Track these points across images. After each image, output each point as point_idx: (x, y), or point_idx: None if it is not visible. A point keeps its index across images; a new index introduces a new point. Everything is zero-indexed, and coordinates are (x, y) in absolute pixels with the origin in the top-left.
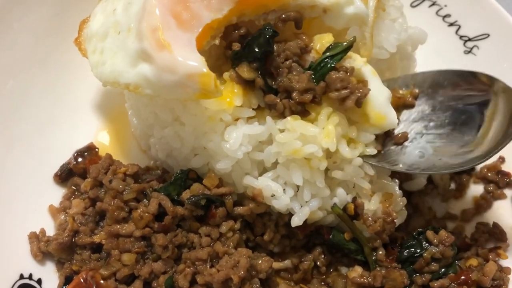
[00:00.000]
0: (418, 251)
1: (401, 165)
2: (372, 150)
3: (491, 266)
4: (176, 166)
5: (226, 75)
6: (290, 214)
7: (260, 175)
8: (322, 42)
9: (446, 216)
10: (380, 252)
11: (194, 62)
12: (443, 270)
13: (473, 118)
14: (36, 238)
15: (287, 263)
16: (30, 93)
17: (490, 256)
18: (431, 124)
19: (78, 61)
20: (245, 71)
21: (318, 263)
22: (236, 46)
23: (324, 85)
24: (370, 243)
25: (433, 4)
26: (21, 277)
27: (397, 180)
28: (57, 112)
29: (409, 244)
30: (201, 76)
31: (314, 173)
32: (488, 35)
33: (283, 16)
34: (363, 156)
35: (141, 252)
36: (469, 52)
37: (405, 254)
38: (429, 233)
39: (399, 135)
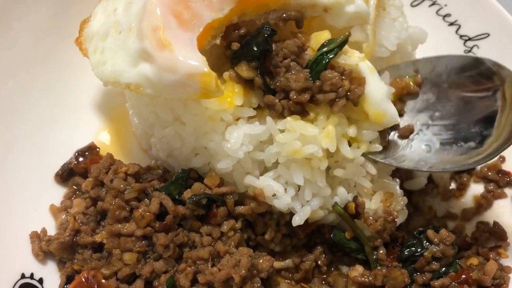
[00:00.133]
0: (418, 250)
1: (408, 162)
2: (377, 147)
3: (491, 265)
4: (177, 166)
5: (226, 74)
6: (291, 214)
7: (261, 174)
8: (318, 39)
9: (446, 215)
10: (381, 251)
11: (195, 62)
12: (443, 269)
13: (479, 108)
14: (37, 238)
15: (288, 262)
16: (31, 93)
17: (491, 255)
18: (437, 114)
19: (79, 61)
20: (244, 70)
21: (319, 262)
22: (235, 46)
23: (320, 83)
24: (371, 242)
25: (433, 3)
26: (23, 276)
27: (398, 180)
28: (58, 111)
29: (410, 243)
30: (202, 75)
31: (315, 172)
32: (488, 35)
33: (284, 15)
34: (368, 153)
35: (142, 252)
36: (469, 51)
37: (406, 253)
38: (430, 232)
39: (405, 127)
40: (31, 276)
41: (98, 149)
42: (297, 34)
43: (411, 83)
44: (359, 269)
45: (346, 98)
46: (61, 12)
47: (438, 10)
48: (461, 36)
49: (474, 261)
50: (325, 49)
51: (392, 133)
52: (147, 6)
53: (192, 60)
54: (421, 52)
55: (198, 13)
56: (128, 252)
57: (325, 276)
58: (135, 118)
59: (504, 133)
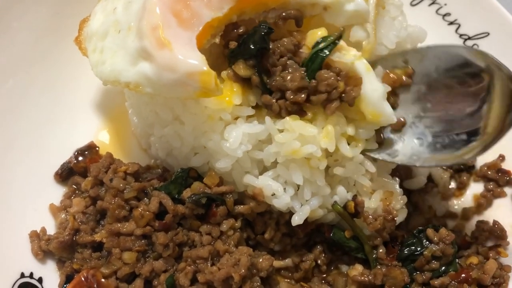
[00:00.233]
0: (418, 249)
1: (401, 156)
2: (374, 144)
3: (491, 264)
4: (177, 165)
5: (224, 73)
6: (291, 213)
7: (260, 173)
8: (314, 37)
9: (446, 214)
10: (381, 250)
11: (195, 61)
12: (443, 268)
13: (469, 100)
14: (37, 237)
15: (287, 261)
16: (30, 92)
17: (490, 254)
18: (428, 105)
19: (78, 60)
20: (241, 69)
21: (318, 261)
22: (233, 45)
23: (316, 83)
24: (371, 241)
25: (433, 2)
26: (22, 275)
27: (397, 179)
28: (57, 111)
29: (410, 242)
30: (202, 74)
31: (314, 172)
32: (488, 34)
33: (284, 14)
34: (365, 150)
35: (142, 251)
36: None
37: (406, 252)
38: (430, 231)
39: (397, 121)
40: (31, 275)
41: (97, 148)
42: (293, 33)
43: (403, 75)
44: (358, 268)
45: (341, 99)
46: (61, 12)
47: (438, 9)
48: (460, 35)
49: (474, 260)
50: (319, 47)
51: (385, 127)
52: (147, 5)
53: (192, 59)
54: None
55: (197, 12)
56: (127, 251)
57: (324, 275)
58: (134, 117)
59: (494, 127)
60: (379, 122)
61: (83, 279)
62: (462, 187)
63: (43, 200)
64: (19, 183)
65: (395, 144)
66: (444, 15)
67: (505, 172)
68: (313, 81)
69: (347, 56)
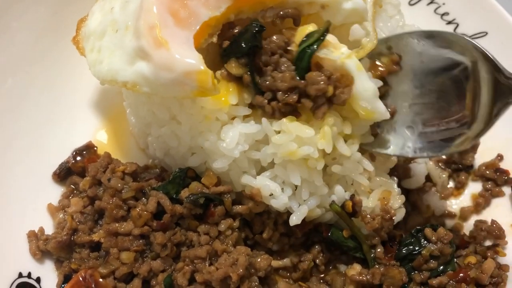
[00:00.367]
0: (416, 248)
1: (393, 147)
2: (370, 138)
3: (489, 264)
4: (174, 165)
5: (218, 73)
6: (289, 212)
7: (258, 173)
8: (302, 34)
9: (444, 213)
10: (379, 250)
11: (192, 60)
12: (441, 267)
13: (455, 87)
14: (35, 237)
15: (286, 261)
16: (28, 92)
17: (489, 254)
18: (417, 91)
19: (76, 60)
20: (233, 67)
21: (317, 261)
22: (226, 44)
23: (305, 85)
24: (369, 241)
25: (431, 2)
26: (20, 275)
27: (395, 178)
28: (56, 110)
29: (408, 241)
30: (199, 73)
31: (312, 172)
32: (486, 33)
33: (281, 13)
34: (361, 145)
35: (140, 251)
36: None
37: (404, 251)
38: (428, 231)
39: (388, 110)
40: (29, 275)
41: (95, 148)
42: (282, 30)
43: (390, 64)
44: (357, 267)
45: (332, 102)
46: (59, 11)
47: (436, 8)
48: None
49: (472, 259)
50: (306, 44)
51: None
52: (144, 4)
53: (189, 58)
54: None
55: (194, 11)
56: (125, 251)
57: (323, 275)
58: (132, 117)
59: (482, 115)
60: (372, 119)
61: (81, 279)
62: (460, 187)
63: (41, 199)
64: (17, 183)
65: (386, 134)
66: (442, 15)
67: (503, 172)
68: (303, 81)
69: (335, 53)
